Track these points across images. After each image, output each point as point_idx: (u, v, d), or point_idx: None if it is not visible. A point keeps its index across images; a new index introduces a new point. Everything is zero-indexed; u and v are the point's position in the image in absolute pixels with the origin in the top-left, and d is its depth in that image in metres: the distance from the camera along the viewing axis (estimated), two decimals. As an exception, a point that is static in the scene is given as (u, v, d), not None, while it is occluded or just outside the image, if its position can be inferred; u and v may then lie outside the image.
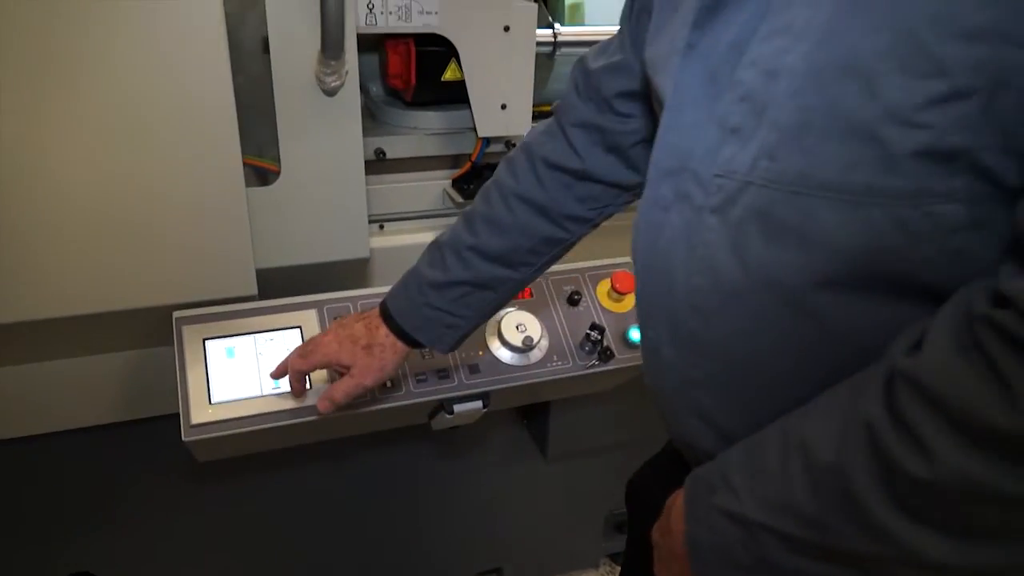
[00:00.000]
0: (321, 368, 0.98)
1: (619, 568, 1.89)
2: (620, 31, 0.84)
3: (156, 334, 1.10)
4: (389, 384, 1.06)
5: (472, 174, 1.35)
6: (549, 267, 0.95)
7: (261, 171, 1.12)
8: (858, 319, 0.53)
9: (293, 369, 0.96)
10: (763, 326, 0.57)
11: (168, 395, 1.18)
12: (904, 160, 0.47)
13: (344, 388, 0.93)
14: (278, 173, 1.09)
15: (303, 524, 1.51)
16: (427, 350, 1.03)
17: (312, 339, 0.97)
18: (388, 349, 0.92)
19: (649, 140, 0.83)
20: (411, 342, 0.92)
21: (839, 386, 0.52)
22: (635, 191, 0.90)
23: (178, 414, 1.16)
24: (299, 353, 0.96)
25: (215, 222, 1.03)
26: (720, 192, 0.57)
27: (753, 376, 0.59)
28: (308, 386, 1.02)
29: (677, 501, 0.63)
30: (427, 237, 1.32)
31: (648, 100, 0.78)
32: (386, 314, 0.93)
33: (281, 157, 1.07)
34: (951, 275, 0.49)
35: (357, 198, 1.13)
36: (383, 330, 0.92)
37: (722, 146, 0.57)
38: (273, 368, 1.00)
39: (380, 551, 1.62)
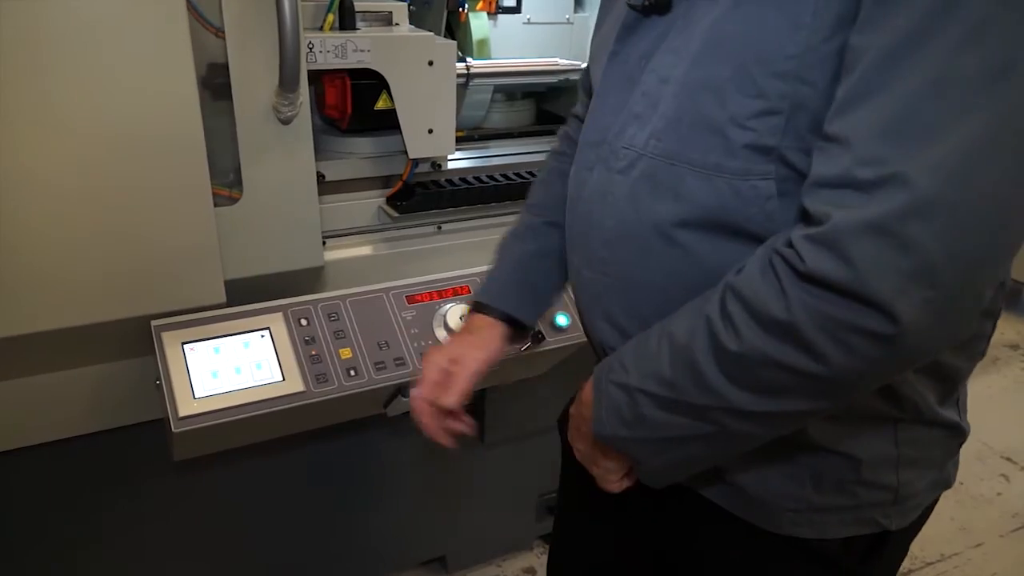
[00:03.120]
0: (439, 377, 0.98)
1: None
2: None
3: (133, 345, 1.21)
4: (352, 372, 1.20)
5: (404, 192, 1.51)
6: None
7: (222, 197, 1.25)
8: (708, 251, 0.75)
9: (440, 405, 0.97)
10: (648, 254, 0.79)
11: (141, 404, 1.29)
12: (739, 149, 0.70)
13: (457, 384, 0.97)
14: (238, 199, 1.22)
15: (258, 515, 1.61)
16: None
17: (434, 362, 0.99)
18: (487, 328, 1.01)
19: None
20: (504, 317, 1.01)
21: (698, 297, 0.73)
22: None
23: (151, 421, 1.27)
24: (426, 388, 0.98)
25: (187, 239, 1.15)
26: (624, 159, 0.80)
27: (642, 289, 0.81)
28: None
29: (588, 382, 0.84)
30: (367, 250, 1.49)
31: None
32: (479, 305, 1.03)
33: (243, 179, 1.20)
34: (767, 227, 0.71)
35: (311, 213, 1.28)
36: (476, 316, 1.02)
37: (628, 127, 0.80)
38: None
39: (324, 541, 1.73)
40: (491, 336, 1.01)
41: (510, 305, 1.02)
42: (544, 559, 2.04)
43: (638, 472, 0.82)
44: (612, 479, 0.86)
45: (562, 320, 1.36)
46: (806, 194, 0.64)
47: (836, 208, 0.60)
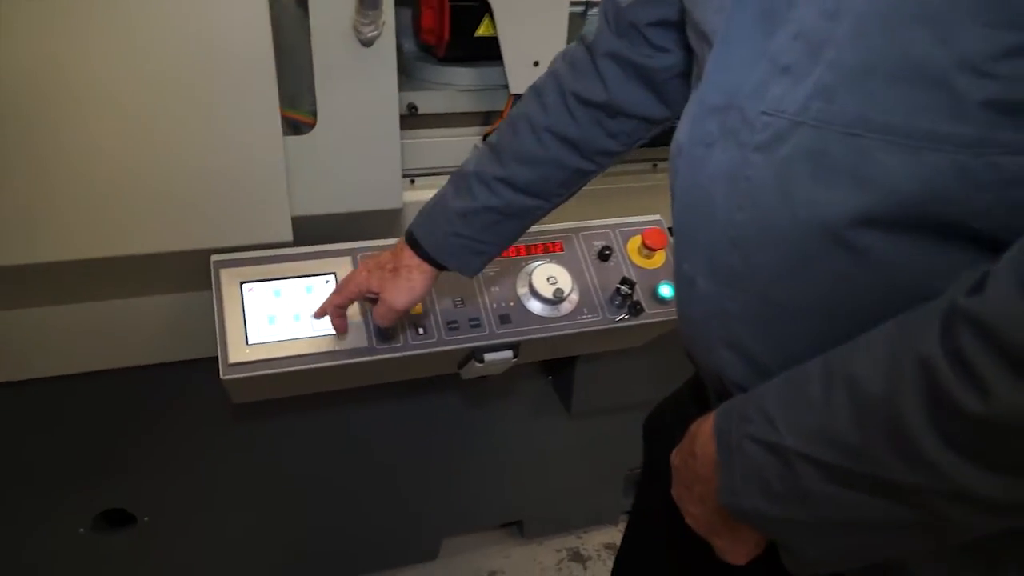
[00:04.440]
0: (355, 298, 1.01)
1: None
2: None
3: (193, 279, 1.13)
4: (421, 331, 1.08)
5: (503, 130, 1.36)
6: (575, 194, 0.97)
7: (296, 123, 1.13)
8: (901, 259, 0.54)
9: (331, 305, 1.01)
10: (805, 262, 0.57)
11: (203, 339, 1.23)
12: (972, 108, 0.48)
13: (377, 313, 0.97)
14: (313, 126, 1.10)
15: (328, 468, 1.55)
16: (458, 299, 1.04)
17: (346, 276, 1.01)
18: (415, 270, 0.94)
19: (684, 74, 0.83)
20: (438, 266, 0.95)
21: (888, 324, 0.52)
22: (663, 124, 0.90)
23: (212, 357, 1.20)
24: (335, 290, 1.01)
25: (253, 169, 1.05)
26: (767, 130, 0.58)
27: (790, 310, 0.60)
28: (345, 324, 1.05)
29: (703, 428, 0.64)
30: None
31: (683, 32, 0.78)
32: (412, 241, 0.95)
33: (318, 106, 1.08)
34: (1005, 225, 0.49)
35: (391, 149, 1.15)
36: (408, 253, 0.95)
37: (771, 84, 0.57)
38: (315, 310, 1.04)
39: (404, 500, 1.66)
40: (420, 281, 0.95)
41: (444, 258, 0.94)
42: (628, 537, 1.90)
43: (784, 559, 0.61)
44: (739, 552, 0.66)
45: (665, 291, 1.18)
46: None
47: None
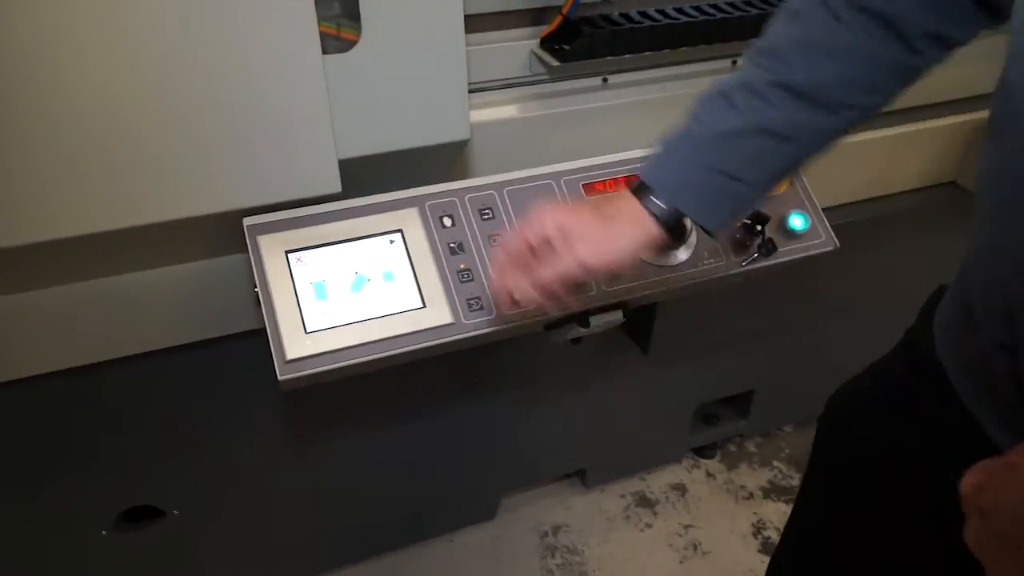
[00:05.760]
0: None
1: (702, 462, 1.79)
2: None
3: (215, 244, 0.90)
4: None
5: (564, 30, 1.10)
6: (880, 111, 0.67)
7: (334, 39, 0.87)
8: None
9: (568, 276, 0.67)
10: None
11: (231, 313, 1.00)
12: None
13: (555, 271, 0.66)
14: (355, 41, 0.84)
15: (374, 432, 1.35)
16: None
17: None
18: (629, 223, 0.66)
19: None
20: (670, 220, 0.67)
21: None
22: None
23: (240, 333, 0.99)
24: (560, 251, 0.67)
25: (288, 101, 0.80)
26: None
27: None
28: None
29: None
30: (515, 111, 1.10)
31: None
32: (642, 188, 0.68)
33: (362, 14, 0.82)
34: None
35: (455, 63, 0.89)
36: (630, 201, 0.67)
37: None
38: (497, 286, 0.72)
39: (458, 458, 1.48)
40: (638, 235, 0.67)
41: (690, 204, 0.67)
42: (695, 474, 1.76)
43: None
44: None
45: (797, 222, 0.97)
46: None
47: None
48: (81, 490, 1.18)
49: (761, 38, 0.67)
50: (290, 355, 0.78)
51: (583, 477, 1.69)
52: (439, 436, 1.42)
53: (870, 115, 0.66)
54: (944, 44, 0.64)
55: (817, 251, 0.98)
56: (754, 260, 0.94)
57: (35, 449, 1.11)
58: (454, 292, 0.85)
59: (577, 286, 0.70)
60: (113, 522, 1.25)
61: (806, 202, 1.00)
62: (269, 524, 1.39)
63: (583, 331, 0.92)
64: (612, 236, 0.66)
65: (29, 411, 1.06)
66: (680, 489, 1.73)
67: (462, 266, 0.86)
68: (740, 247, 0.95)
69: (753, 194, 0.68)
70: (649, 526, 1.65)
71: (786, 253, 0.96)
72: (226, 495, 1.31)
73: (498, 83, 1.11)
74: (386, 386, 1.27)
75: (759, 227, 0.93)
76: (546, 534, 1.62)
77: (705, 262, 0.93)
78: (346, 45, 0.85)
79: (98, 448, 1.15)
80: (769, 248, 0.94)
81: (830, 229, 1.00)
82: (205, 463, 1.23)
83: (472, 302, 0.85)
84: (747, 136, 0.65)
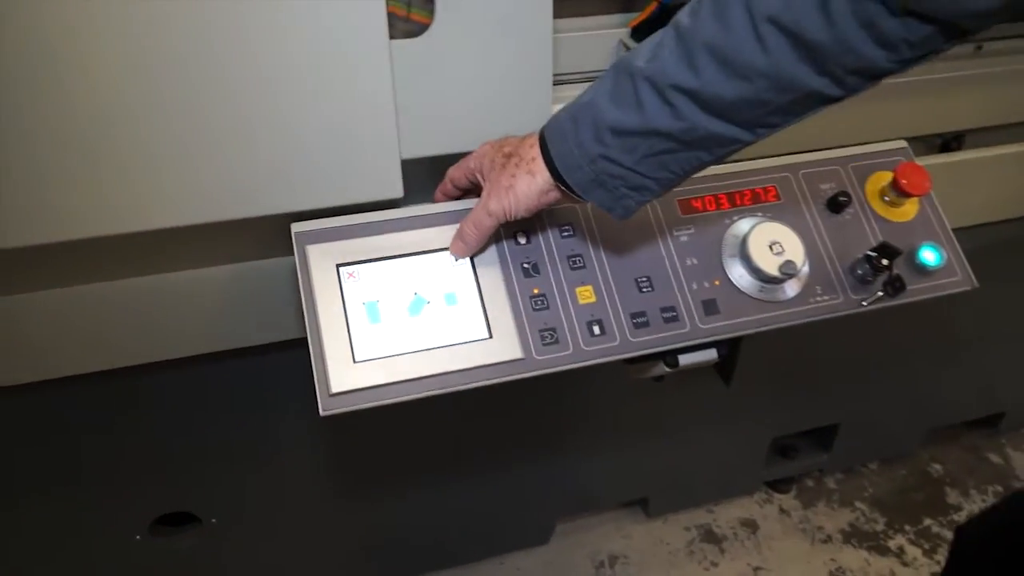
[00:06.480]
0: (470, 176, 0.75)
1: (776, 496, 1.64)
2: None
3: (255, 248, 0.80)
4: (597, 330, 0.74)
5: (659, 17, 0.98)
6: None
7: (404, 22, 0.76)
8: None
9: (448, 177, 0.78)
10: None
11: (274, 320, 0.91)
12: None
13: (470, 220, 0.72)
14: (427, 25, 0.73)
15: (425, 449, 1.25)
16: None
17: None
18: (529, 173, 0.67)
19: None
20: (569, 192, 0.67)
21: None
22: (975, 30, 0.53)
23: (283, 342, 0.90)
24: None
25: (347, 89, 0.69)
26: None
27: None
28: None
29: None
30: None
31: None
32: (544, 147, 0.67)
33: (436, -6, 0.71)
34: None
35: (540, 53, 0.77)
36: (536, 151, 0.68)
37: None
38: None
39: (512, 480, 1.37)
40: (542, 184, 0.68)
41: (594, 190, 0.66)
42: (768, 510, 1.62)
43: None
44: None
45: (930, 256, 0.82)
46: None
47: None
48: (116, 493, 1.12)
49: (691, 5, 0.59)
50: (335, 387, 0.67)
51: (645, 505, 1.57)
52: (494, 455, 1.32)
53: (779, 130, 0.62)
54: (871, 77, 0.57)
55: (952, 291, 0.83)
56: (878, 299, 0.80)
57: (69, 450, 1.05)
58: (525, 321, 0.73)
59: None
60: (148, 528, 1.18)
61: (940, 232, 0.85)
62: (312, 540, 1.31)
63: (669, 371, 0.80)
64: (517, 185, 0.68)
65: (66, 412, 1.00)
66: (750, 526, 1.59)
67: (536, 291, 0.75)
68: (861, 282, 0.81)
69: (658, 188, 0.66)
70: (715, 564, 1.52)
71: (915, 292, 0.82)
72: (266, 505, 1.23)
73: (580, 75, 1.00)
74: (442, 402, 1.17)
75: (885, 261, 0.79)
76: (602, 564, 1.51)
77: (817, 298, 0.80)
78: (417, 29, 0.74)
79: (137, 452, 1.08)
80: (897, 287, 0.79)
81: (967, 265, 0.85)
82: (241, 473, 1.15)
83: (546, 334, 0.73)
84: (646, 136, 0.61)
